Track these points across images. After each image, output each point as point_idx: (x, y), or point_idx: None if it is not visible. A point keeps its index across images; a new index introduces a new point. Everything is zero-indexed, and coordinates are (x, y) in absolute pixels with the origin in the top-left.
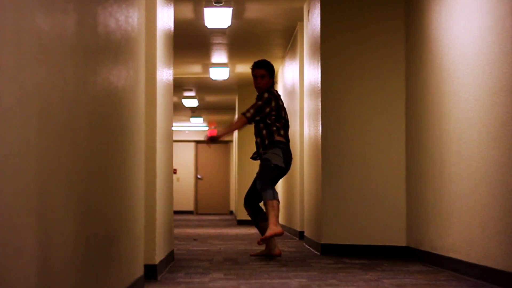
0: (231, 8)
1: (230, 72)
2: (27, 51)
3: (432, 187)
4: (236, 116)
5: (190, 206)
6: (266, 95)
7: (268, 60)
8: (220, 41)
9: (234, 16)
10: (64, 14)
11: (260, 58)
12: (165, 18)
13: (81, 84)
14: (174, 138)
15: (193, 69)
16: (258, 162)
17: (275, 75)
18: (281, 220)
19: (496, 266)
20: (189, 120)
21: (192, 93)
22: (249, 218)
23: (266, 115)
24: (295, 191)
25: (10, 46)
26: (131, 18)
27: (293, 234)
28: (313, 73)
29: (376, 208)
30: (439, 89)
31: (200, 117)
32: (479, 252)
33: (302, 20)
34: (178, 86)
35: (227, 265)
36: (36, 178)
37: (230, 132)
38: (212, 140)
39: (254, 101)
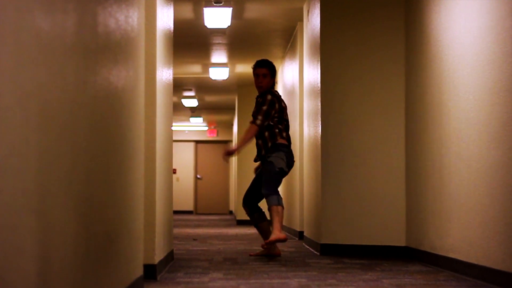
0: (231, 8)
1: (230, 72)
2: (27, 51)
3: (432, 187)
4: (236, 117)
5: (190, 206)
6: (269, 97)
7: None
8: (220, 41)
9: (234, 16)
10: (64, 14)
11: (260, 58)
12: (165, 18)
13: (81, 84)
14: (174, 138)
15: (193, 69)
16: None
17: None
18: None
19: (495, 266)
20: (188, 120)
21: (192, 93)
22: (248, 218)
23: (271, 118)
24: (294, 191)
25: (10, 46)
26: (131, 18)
27: (292, 234)
28: (312, 73)
29: (376, 208)
30: (439, 89)
31: (200, 117)
32: (479, 252)
33: (301, 20)
34: (178, 86)
35: (226, 265)
36: (36, 178)
37: (246, 144)
38: (229, 154)
39: (253, 101)
